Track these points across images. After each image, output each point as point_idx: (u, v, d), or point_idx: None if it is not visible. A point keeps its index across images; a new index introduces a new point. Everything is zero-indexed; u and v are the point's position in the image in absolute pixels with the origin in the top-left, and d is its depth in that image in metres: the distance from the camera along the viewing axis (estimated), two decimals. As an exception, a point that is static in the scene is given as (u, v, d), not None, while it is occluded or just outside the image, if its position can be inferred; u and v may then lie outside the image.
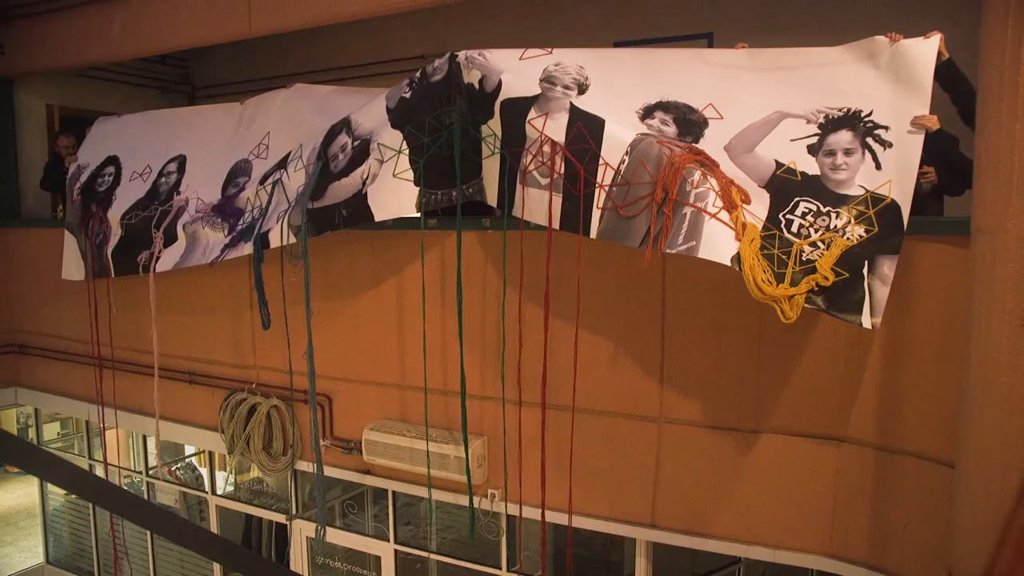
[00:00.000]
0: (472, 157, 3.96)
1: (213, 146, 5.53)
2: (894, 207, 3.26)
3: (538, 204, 3.73)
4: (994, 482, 2.82)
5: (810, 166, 3.44)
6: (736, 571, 4.51)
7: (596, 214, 3.56)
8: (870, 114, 3.39)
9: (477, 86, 3.92)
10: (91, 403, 6.38)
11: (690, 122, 3.67)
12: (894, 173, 3.29)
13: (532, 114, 3.74)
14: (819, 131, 3.47)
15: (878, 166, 3.33)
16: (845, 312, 3.22)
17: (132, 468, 7.39)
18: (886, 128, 3.34)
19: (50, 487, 8.10)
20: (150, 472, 7.07)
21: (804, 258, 3.28)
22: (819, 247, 3.28)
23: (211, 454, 6.41)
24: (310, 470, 5.31)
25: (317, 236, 4.36)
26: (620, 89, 3.82)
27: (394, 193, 4.06)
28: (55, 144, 6.80)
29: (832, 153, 3.42)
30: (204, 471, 7.03)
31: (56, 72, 7.19)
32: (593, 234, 3.58)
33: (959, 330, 3.08)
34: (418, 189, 4.01)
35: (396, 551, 5.29)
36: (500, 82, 3.84)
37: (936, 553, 3.26)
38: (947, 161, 3.50)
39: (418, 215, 4.07)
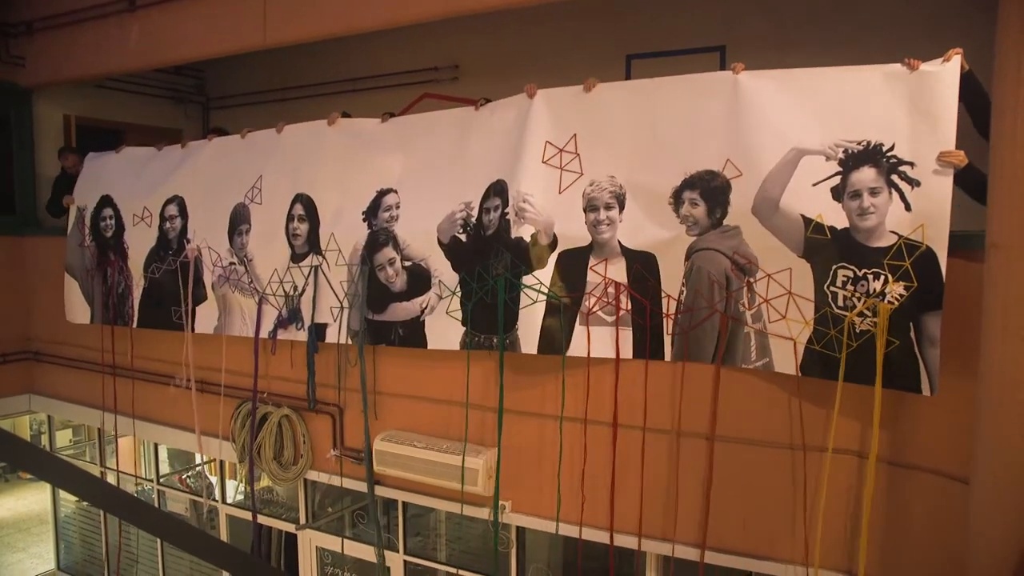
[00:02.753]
0: (511, 307, 4.17)
1: (207, 186, 5.54)
2: (930, 255, 3.15)
3: (602, 340, 4.02)
4: (1009, 499, 2.80)
5: (838, 218, 3.34)
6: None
7: (667, 340, 3.90)
8: (892, 148, 3.24)
9: (528, 239, 4.11)
10: (104, 410, 6.42)
11: (715, 191, 3.66)
12: (926, 215, 3.16)
13: (592, 261, 4.03)
14: (840, 168, 3.34)
15: (907, 207, 3.20)
16: (903, 386, 3.26)
17: (144, 476, 7.42)
18: (911, 165, 3.20)
19: (61, 494, 8.15)
20: (161, 480, 7.10)
21: (858, 330, 3.32)
22: (867, 315, 3.29)
23: (222, 463, 6.43)
24: (320, 479, 5.32)
25: (373, 345, 4.81)
26: (648, 178, 3.87)
27: (446, 328, 4.48)
28: (61, 160, 6.84)
29: (857, 195, 3.29)
30: (214, 480, 7.06)
31: (74, 83, 7.29)
32: (668, 358, 3.91)
33: (973, 345, 3.06)
34: (464, 329, 4.40)
35: (405, 562, 5.28)
36: (555, 236, 4.09)
37: (949, 570, 3.22)
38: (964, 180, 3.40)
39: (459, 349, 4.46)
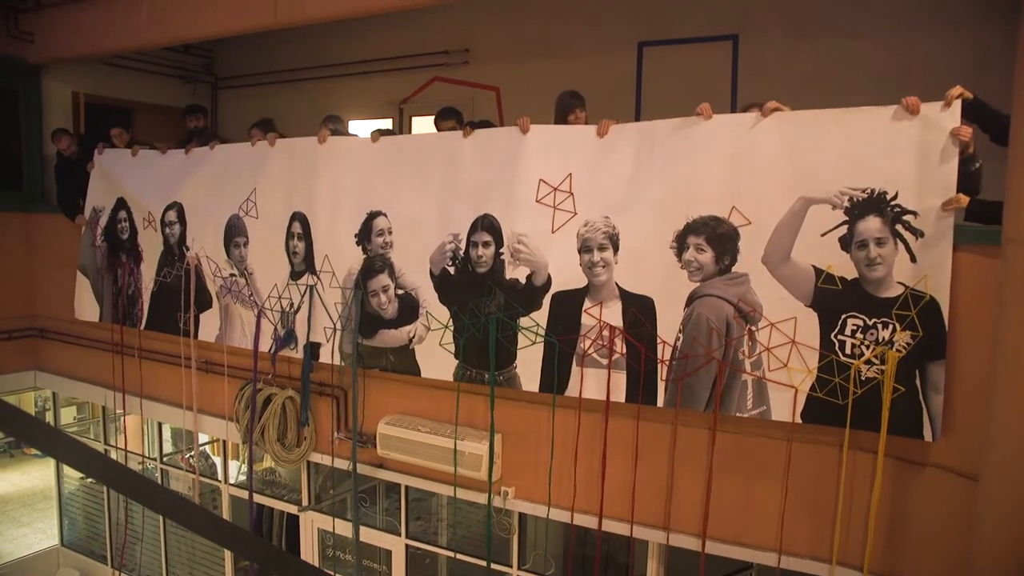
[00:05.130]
0: (507, 347, 4.23)
1: (204, 194, 5.54)
2: (933, 305, 3.23)
3: (597, 383, 4.03)
4: (1020, 496, 2.77)
5: (847, 268, 3.40)
6: (748, 577, 4.49)
7: (660, 386, 3.87)
8: (895, 197, 3.28)
9: (524, 280, 4.17)
10: (108, 388, 6.44)
11: (722, 237, 3.65)
12: (929, 266, 3.23)
13: (587, 304, 4.00)
14: (846, 217, 3.38)
15: (913, 259, 3.27)
16: (906, 432, 3.33)
17: (147, 455, 7.45)
18: (915, 214, 3.25)
19: (65, 470, 8.19)
20: (164, 459, 7.13)
21: (863, 377, 3.39)
22: (874, 363, 3.35)
23: (225, 443, 6.45)
24: (323, 462, 5.33)
25: (366, 368, 4.89)
26: (647, 220, 3.83)
27: (439, 359, 4.54)
28: (55, 142, 6.74)
29: (864, 245, 3.35)
30: (218, 460, 7.07)
31: (83, 60, 7.26)
32: (660, 404, 3.87)
33: (987, 341, 3.03)
34: (457, 362, 4.45)
35: (407, 546, 5.29)
36: (549, 276, 4.10)
37: (953, 566, 3.21)
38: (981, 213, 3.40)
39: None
